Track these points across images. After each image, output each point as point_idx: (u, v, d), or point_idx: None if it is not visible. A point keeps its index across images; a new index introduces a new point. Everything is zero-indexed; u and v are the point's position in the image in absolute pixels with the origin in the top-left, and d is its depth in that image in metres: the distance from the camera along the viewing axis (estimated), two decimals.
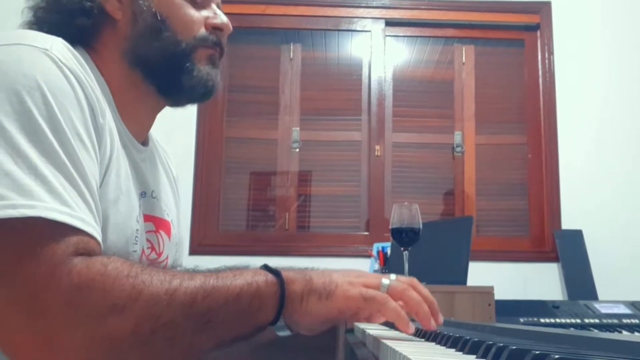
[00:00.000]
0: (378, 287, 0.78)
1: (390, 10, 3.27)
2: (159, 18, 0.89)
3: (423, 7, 3.27)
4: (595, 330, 2.13)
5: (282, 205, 3.14)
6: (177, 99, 0.97)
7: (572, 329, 2.13)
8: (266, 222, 3.16)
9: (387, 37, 3.28)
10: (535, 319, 2.26)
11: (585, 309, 2.38)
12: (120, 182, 0.85)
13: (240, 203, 3.16)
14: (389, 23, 3.28)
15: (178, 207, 1.10)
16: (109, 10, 0.89)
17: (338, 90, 3.25)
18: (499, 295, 1.97)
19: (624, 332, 2.17)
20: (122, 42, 0.90)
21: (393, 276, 0.81)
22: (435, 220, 3.02)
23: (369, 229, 3.09)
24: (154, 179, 0.99)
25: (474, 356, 0.58)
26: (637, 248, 2.94)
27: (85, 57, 0.85)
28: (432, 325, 0.78)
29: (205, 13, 0.94)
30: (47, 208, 0.64)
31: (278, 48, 3.31)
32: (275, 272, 0.74)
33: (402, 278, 0.82)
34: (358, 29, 3.28)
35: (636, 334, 2.19)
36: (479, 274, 2.31)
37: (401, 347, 0.64)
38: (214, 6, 0.96)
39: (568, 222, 3.01)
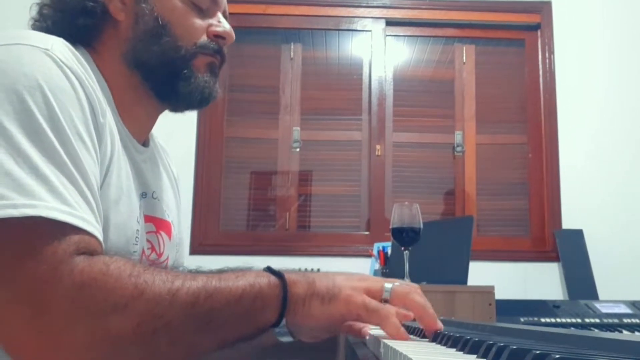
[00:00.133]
0: (381, 291, 0.78)
1: (391, 9, 3.27)
2: (161, 22, 0.89)
3: (423, 6, 3.27)
4: (596, 330, 2.13)
5: (283, 205, 3.14)
6: (175, 104, 0.97)
7: (572, 328, 2.13)
8: (267, 221, 3.16)
9: (387, 37, 3.28)
10: (535, 318, 2.25)
11: (585, 309, 2.38)
12: (121, 183, 0.85)
13: (241, 203, 3.16)
14: (390, 23, 3.28)
15: (179, 207, 1.10)
16: (111, 11, 0.90)
17: (338, 90, 3.25)
18: (499, 294, 1.97)
19: (625, 332, 2.17)
20: (123, 44, 0.90)
21: (397, 282, 0.81)
22: (436, 220, 3.02)
23: (370, 228, 3.09)
24: (155, 179, 0.99)
25: (475, 356, 0.58)
26: (637, 247, 2.94)
27: (86, 57, 0.86)
28: (439, 325, 0.78)
29: (209, 21, 0.94)
30: (48, 207, 0.64)
31: (278, 48, 3.31)
32: (278, 274, 0.74)
33: (408, 283, 0.82)
34: (358, 28, 3.28)
35: (637, 333, 2.19)
36: (480, 273, 2.31)
37: (402, 347, 0.64)
38: (219, 14, 0.96)
39: (568, 221, 3.02)
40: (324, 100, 3.24)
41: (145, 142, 0.99)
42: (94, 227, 0.69)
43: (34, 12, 0.92)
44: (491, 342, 0.56)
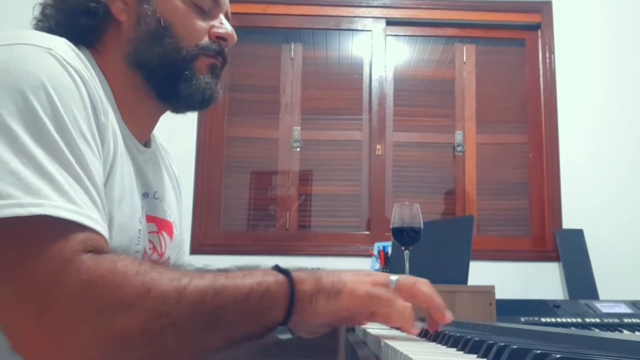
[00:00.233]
0: (387, 284, 0.77)
1: (391, 9, 3.27)
2: (163, 24, 0.89)
3: (424, 6, 3.27)
4: (596, 330, 2.14)
5: (283, 205, 3.14)
6: (176, 105, 0.97)
7: (573, 328, 2.13)
8: (267, 221, 3.16)
9: (388, 37, 3.28)
10: (536, 318, 2.26)
11: (586, 309, 2.38)
12: (124, 183, 0.85)
13: (241, 202, 3.16)
14: (390, 22, 3.28)
15: (180, 207, 1.10)
16: (114, 11, 0.90)
17: (339, 90, 3.25)
18: (499, 294, 1.97)
19: (625, 332, 2.17)
20: (125, 45, 0.90)
21: (404, 276, 0.80)
22: (436, 219, 3.02)
23: (370, 228, 3.09)
24: (157, 180, 1.00)
25: (475, 356, 0.58)
26: (638, 247, 2.94)
27: (88, 58, 0.86)
28: (448, 317, 0.77)
29: (211, 22, 0.94)
30: (55, 206, 0.64)
31: (279, 47, 3.31)
32: (285, 272, 0.74)
33: (414, 277, 0.81)
34: (359, 28, 3.28)
35: (637, 333, 2.19)
36: (480, 273, 2.31)
37: (402, 347, 0.64)
38: (221, 16, 0.96)
39: (569, 221, 3.01)
40: (325, 100, 3.24)
41: (146, 143, 0.99)
42: (100, 226, 0.69)
43: (37, 12, 0.92)
44: (491, 342, 0.56)
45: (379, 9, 3.27)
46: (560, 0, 3.24)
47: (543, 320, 2.25)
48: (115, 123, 0.85)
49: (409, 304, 0.76)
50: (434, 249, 2.12)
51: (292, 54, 3.28)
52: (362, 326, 1.11)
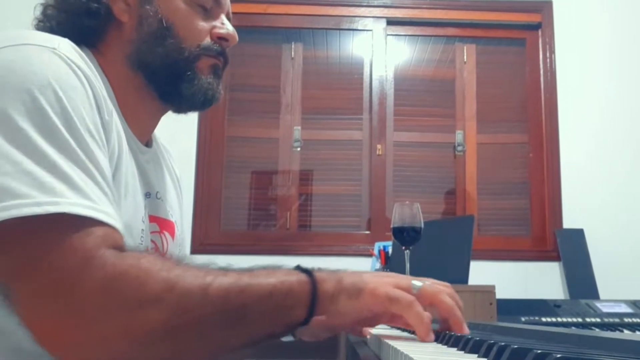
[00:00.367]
0: (409, 288, 0.77)
1: (392, 9, 3.27)
2: (165, 24, 0.90)
3: (424, 6, 3.27)
4: (597, 330, 2.14)
5: (284, 205, 3.14)
6: (178, 106, 0.97)
7: (573, 328, 2.13)
8: (267, 221, 3.16)
9: (388, 36, 3.28)
10: (536, 318, 2.26)
11: (586, 308, 2.38)
12: (128, 182, 0.85)
13: (242, 202, 3.16)
14: (391, 22, 3.28)
15: (181, 207, 1.11)
16: (115, 12, 0.90)
17: (339, 90, 3.25)
18: (500, 294, 1.97)
19: (626, 331, 2.17)
20: (127, 45, 0.90)
21: (429, 281, 0.80)
22: (437, 219, 3.02)
23: (371, 228, 3.09)
24: (158, 180, 1.00)
25: (476, 355, 0.58)
26: (638, 247, 2.94)
27: (90, 58, 0.86)
28: (465, 330, 0.77)
29: (212, 23, 0.94)
30: (71, 203, 0.64)
31: (279, 47, 3.31)
32: (307, 271, 0.74)
33: (437, 282, 0.81)
34: (359, 28, 3.28)
35: (638, 333, 2.19)
36: (481, 273, 2.31)
37: (403, 347, 0.64)
38: (222, 16, 0.96)
39: (569, 221, 3.01)
40: (325, 99, 3.24)
41: (148, 143, 0.99)
42: (116, 221, 0.69)
43: (38, 12, 0.92)
44: (492, 341, 0.56)
45: (379, 9, 3.27)
46: (560, 0, 3.24)
47: (544, 319, 2.25)
48: (119, 123, 0.85)
49: (427, 314, 0.76)
50: (434, 248, 2.12)
51: (293, 53, 3.28)
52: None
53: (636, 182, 3.04)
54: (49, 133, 0.66)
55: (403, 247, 1.76)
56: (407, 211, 1.74)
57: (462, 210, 3.12)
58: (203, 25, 0.93)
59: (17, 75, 0.68)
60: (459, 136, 3.20)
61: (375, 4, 3.26)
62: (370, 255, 2.78)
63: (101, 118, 0.76)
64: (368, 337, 0.98)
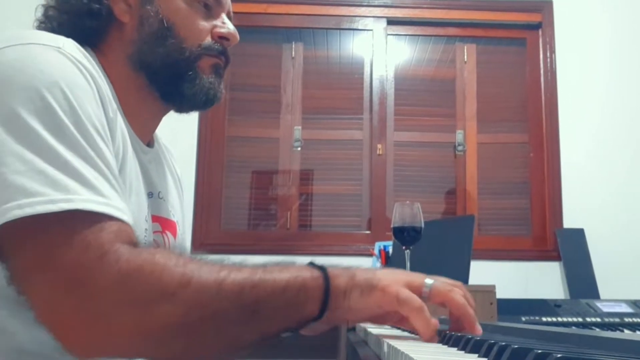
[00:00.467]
0: (422, 286, 0.77)
1: (392, 9, 3.27)
2: (166, 24, 0.90)
3: (425, 5, 3.27)
4: (597, 329, 2.13)
5: (284, 204, 3.14)
6: (180, 106, 0.98)
7: (574, 327, 2.13)
8: (268, 220, 3.16)
9: (388, 36, 3.28)
10: (537, 317, 2.25)
11: (587, 308, 2.38)
12: (132, 182, 0.86)
13: (242, 202, 3.16)
14: (391, 22, 3.28)
15: (183, 207, 1.11)
16: (116, 13, 0.90)
17: (340, 89, 3.25)
18: (500, 294, 1.97)
19: (626, 331, 2.17)
20: (128, 46, 0.90)
21: (442, 279, 0.80)
22: (437, 219, 3.02)
23: (371, 227, 3.09)
24: (160, 179, 1.00)
25: (476, 355, 0.58)
26: (638, 246, 2.94)
27: (93, 58, 0.86)
28: (478, 329, 0.76)
29: (213, 22, 0.94)
30: (84, 200, 0.65)
31: (280, 47, 3.31)
32: (320, 267, 0.75)
33: (449, 281, 0.80)
34: (360, 27, 3.28)
35: (638, 332, 2.18)
36: (481, 272, 2.30)
37: (404, 346, 0.64)
38: (223, 15, 0.96)
39: (570, 220, 3.01)
40: (325, 99, 3.24)
41: (149, 143, 0.99)
42: (128, 216, 0.70)
43: (39, 14, 0.92)
44: (493, 341, 0.56)
45: (379, 9, 3.27)
46: (561, 0, 3.23)
47: (544, 319, 2.25)
48: (122, 122, 0.86)
49: (435, 321, 0.76)
50: (434, 248, 2.12)
51: (293, 53, 3.28)
52: (363, 325, 1.11)
53: (636, 181, 3.04)
54: (58, 131, 0.67)
55: (403, 247, 1.76)
56: (407, 211, 1.74)
57: (463, 210, 3.12)
58: (204, 24, 0.93)
59: (24, 74, 0.69)
60: (459, 136, 3.20)
61: (376, 4, 3.26)
62: (371, 255, 2.78)
63: (106, 116, 0.77)
64: (370, 330, 0.98)
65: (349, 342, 1.25)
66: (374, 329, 1.01)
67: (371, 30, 3.28)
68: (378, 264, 2.64)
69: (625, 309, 2.36)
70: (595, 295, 2.74)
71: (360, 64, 3.28)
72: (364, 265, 2.78)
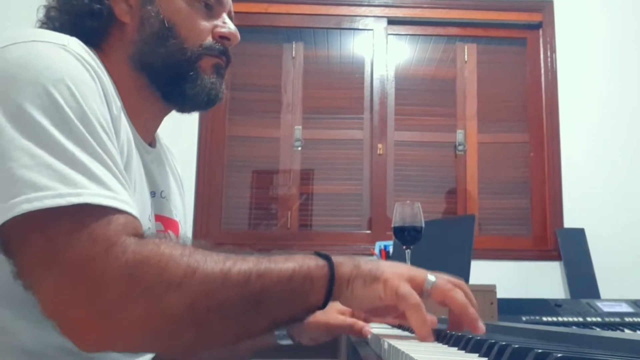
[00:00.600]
0: (424, 282, 0.77)
1: (393, 8, 3.27)
2: (166, 25, 0.90)
3: (425, 5, 3.26)
4: (598, 329, 2.13)
5: (285, 204, 3.14)
6: (181, 106, 0.98)
7: (574, 327, 2.13)
8: (268, 220, 3.16)
9: (389, 36, 3.28)
10: (537, 317, 2.25)
11: (587, 308, 2.38)
12: (136, 180, 0.86)
13: (243, 201, 3.16)
14: (391, 21, 3.28)
15: (184, 207, 1.11)
16: (117, 13, 0.90)
17: (340, 89, 3.25)
18: (501, 293, 1.97)
19: (627, 331, 2.17)
20: (129, 46, 0.91)
21: (445, 277, 0.80)
22: (438, 218, 3.02)
23: (371, 227, 3.09)
24: (163, 179, 1.01)
25: (477, 355, 0.58)
26: (639, 246, 2.94)
27: (95, 57, 0.86)
28: (481, 327, 0.76)
29: (214, 22, 0.95)
30: (92, 194, 0.65)
31: (280, 46, 3.31)
32: (324, 256, 0.75)
33: (452, 279, 0.80)
34: (360, 27, 3.28)
35: (638, 332, 2.18)
36: (481, 272, 2.30)
37: (404, 346, 0.64)
38: (224, 15, 0.96)
39: (570, 220, 3.01)
40: (326, 99, 3.24)
41: (151, 143, 1.00)
42: (135, 210, 0.70)
43: (41, 15, 0.92)
44: (493, 341, 0.56)
45: (380, 8, 3.27)
46: (561, 0, 3.23)
47: (544, 319, 2.25)
48: (125, 121, 0.86)
49: (432, 319, 0.76)
50: (435, 248, 2.12)
51: (294, 53, 3.28)
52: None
53: (637, 181, 3.04)
54: (65, 126, 0.68)
55: (404, 247, 1.76)
56: (407, 210, 1.74)
57: (463, 210, 3.12)
58: (205, 24, 0.93)
59: (30, 71, 0.69)
60: (459, 136, 3.20)
61: (376, 4, 3.26)
62: (371, 254, 2.78)
63: (110, 114, 0.77)
64: (369, 336, 0.98)
65: (349, 341, 1.25)
66: (374, 329, 1.01)
67: (372, 30, 3.28)
68: None
69: (625, 308, 2.36)
70: (596, 295, 2.74)
71: (361, 63, 3.28)
72: None
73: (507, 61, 3.32)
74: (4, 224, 0.63)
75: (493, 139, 3.21)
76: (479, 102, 3.23)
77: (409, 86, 3.26)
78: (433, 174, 3.18)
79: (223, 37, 0.95)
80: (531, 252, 3.04)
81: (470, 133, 3.20)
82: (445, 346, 0.70)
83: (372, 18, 3.27)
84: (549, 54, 3.20)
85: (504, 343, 0.53)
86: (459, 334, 0.70)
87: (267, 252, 0.74)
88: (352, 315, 1.06)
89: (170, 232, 0.99)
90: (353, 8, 3.27)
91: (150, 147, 0.98)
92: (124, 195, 0.69)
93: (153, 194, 0.95)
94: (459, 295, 0.77)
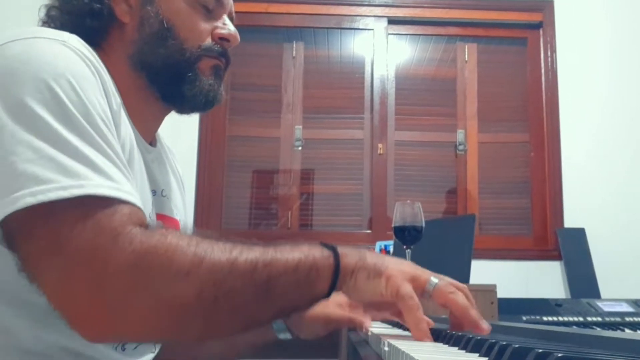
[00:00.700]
0: (426, 282, 0.78)
1: (393, 8, 3.27)
2: (166, 25, 0.90)
3: (426, 5, 3.26)
4: (598, 329, 2.13)
5: (285, 204, 3.14)
6: (180, 107, 0.98)
7: (574, 327, 2.13)
8: (269, 220, 3.16)
9: (389, 36, 3.28)
10: (537, 317, 2.25)
11: (587, 307, 2.38)
12: (137, 178, 0.86)
13: (243, 201, 3.16)
14: (392, 21, 3.28)
15: (185, 206, 1.11)
16: (117, 13, 0.90)
17: (340, 89, 3.25)
18: (501, 293, 1.97)
19: (627, 331, 2.17)
20: (129, 46, 0.91)
21: (447, 279, 0.80)
22: (438, 218, 3.02)
23: (372, 227, 3.09)
24: (163, 178, 1.01)
25: (477, 354, 0.58)
26: (639, 246, 2.94)
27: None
28: (485, 327, 0.76)
29: (214, 23, 0.94)
30: (96, 185, 0.65)
31: (280, 46, 3.31)
32: (330, 246, 0.76)
33: (455, 282, 0.81)
34: (361, 27, 3.28)
35: (639, 332, 2.18)
36: (482, 272, 2.30)
37: (404, 346, 0.64)
38: (225, 17, 0.96)
39: (570, 220, 3.01)
40: (326, 98, 3.24)
41: (152, 143, 1.00)
42: (138, 201, 0.70)
43: (42, 14, 0.93)
44: (493, 340, 0.56)
45: (380, 8, 3.27)
46: (561, 0, 3.24)
47: (545, 319, 2.25)
48: (126, 119, 0.86)
49: (429, 321, 0.77)
50: (435, 247, 2.12)
51: (294, 52, 3.28)
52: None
53: (637, 181, 3.04)
54: (67, 120, 0.68)
55: (404, 247, 1.76)
56: (408, 210, 1.74)
57: (463, 210, 3.12)
58: (204, 25, 0.93)
59: (31, 66, 0.69)
60: (460, 135, 3.20)
61: (377, 3, 3.26)
62: None
63: (110, 109, 0.77)
64: (369, 333, 0.98)
65: (349, 341, 1.25)
66: (375, 329, 1.01)
67: (372, 29, 3.27)
68: None
69: (626, 308, 2.36)
70: (596, 295, 2.74)
71: (361, 63, 3.28)
72: None
73: (507, 61, 3.32)
74: (8, 217, 0.63)
75: (493, 139, 3.21)
76: (480, 101, 3.23)
77: (410, 86, 3.26)
78: (433, 173, 3.18)
79: (223, 39, 0.95)
80: (531, 252, 3.04)
81: (470, 133, 3.20)
82: (446, 346, 0.70)
83: (373, 18, 3.27)
84: (549, 53, 3.20)
85: (504, 343, 0.53)
86: (460, 333, 0.70)
87: (273, 242, 0.74)
88: (352, 309, 1.07)
89: None
90: (353, 8, 3.27)
91: (151, 146, 0.98)
92: (127, 186, 0.69)
93: (154, 192, 0.95)
94: (460, 298, 0.78)
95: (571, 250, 2.93)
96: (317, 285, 0.73)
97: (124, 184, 0.69)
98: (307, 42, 3.30)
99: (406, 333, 0.92)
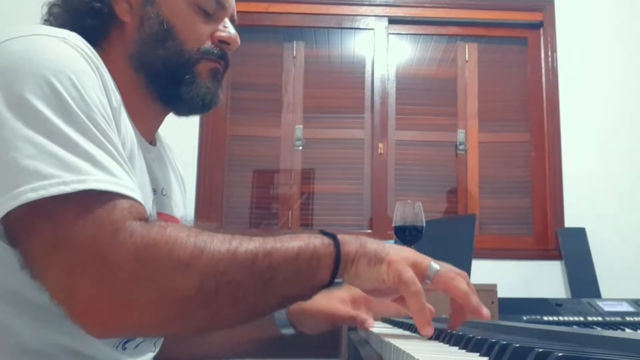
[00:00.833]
0: (427, 268, 0.78)
1: (394, 8, 3.27)
2: (166, 26, 0.90)
3: (426, 4, 3.26)
4: (599, 328, 2.13)
5: (285, 203, 3.15)
6: (177, 108, 0.98)
7: (575, 327, 2.13)
8: (269, 219, 3.16)
9: (390, 35, 3.28)
10: (538, 317, 2.26)
11: (588, 307, 2.38)
12: (138, 177, 0.86)
13: (243, 201, 3.16)
14: (392, 21, 3.28)
15: (185, 205, 1.12)
16: (118, 12, 0.91)
17: (341, 88, 3.25)
18: (502, 293, 1.97)
19: (627, 330, 2.17)
20: (129, 46, 0.91)
21: (448, 266, 0.80)
22: (439, 218, 3.02)
23: (372, 226, 3.09)
24: (164, 177, 1.01)
25: (477, 354, 0.58)
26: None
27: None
28: (485, 313, 0.77)
29: (214, 26, 0.94)
30: (97, 180, 0.66)
31: (281, 46, 3.31)
32: (330, 234, 0.76)
33: (455, 269, 0.81)
34: (361, 26, 3.28)
35: (639, 331, 2.18)
36: (482, 271, 2.31)
37: (405, 345, 0.64)
38: (226, 19, 0.96)
39: (571, 220, 3.01)
40: (327, 98, 3.24)
41: (152, 142, 1.00)
42: (139, 196, 0.71)
43: (44, 12, 0.93)
44: (494, 340, 0.56)
45: (381, 8, 3.27)
46: None
47: (545, 318, 2.25)
48: (127, 118, 0.86)
49: (431, 308, 0.77)
50: (436, 247, 2.12)
51: (294, 52, 3.28)
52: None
53: (638, 181, 3.04)
54: (67, 116, 0.68)
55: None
56: (408, 210, 1.74)
57: (464, 209, 3.12)
58: (204, 28, 0.93)
59: (31, 63, 0.70)
60: (460, 135, 3.20)
61: (377, 3, 3.26)
62: None
63: (110, 106, 0.78)
64: (372, 329, 0.98)
65: (350, 341, 1.25)
66: (375, 328, 1.02)
67: (372, 29, 3.27)
68: None
69: (626, 308, 2.36)
70: (597, 295, 2.74)
71: (362, 63, 3.28)
72: None
73: (508, 61, 3.32)
74: (9, 213, 0.64)
75: (494, 139, 3.21)
76: (480, 101, 3.23)
77: (410, 85, 3.26)
78: (434, 173, 3.18)
79: (222, 41, 0.94)
80: (532, 252, 3.04)
81: (471, 132, 3.20)
82: (446, 345, 0.70)
83: (373, 17, 3.27)
84: (549, 53, 3.20)
85: (504, 342, 0.53)
86: (460, 333, 0.70)
87: (273, 232, 0.74)
88: (355, 305, 1.07)
89: None
90: (354, 7, 3.27)
91: (151, 145, 0.98)
92: (128, 181, 0.70)
93: (154, 191, 0.95)
94: (462, 284, 0.78)
95: (571, 250, 2.93)
96: (318, 273, 0.73)
97: (125, 179, 0.69)
98: (307, 41, 3.30)
99: (407, 333, 0.92)
